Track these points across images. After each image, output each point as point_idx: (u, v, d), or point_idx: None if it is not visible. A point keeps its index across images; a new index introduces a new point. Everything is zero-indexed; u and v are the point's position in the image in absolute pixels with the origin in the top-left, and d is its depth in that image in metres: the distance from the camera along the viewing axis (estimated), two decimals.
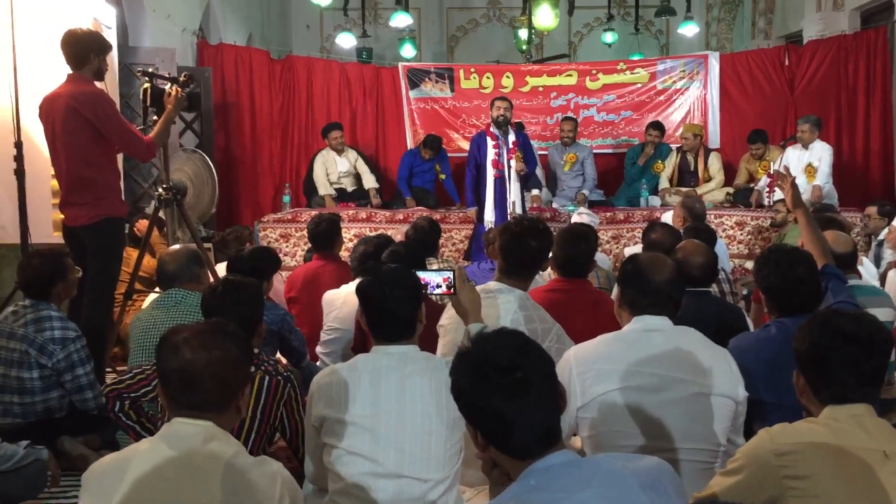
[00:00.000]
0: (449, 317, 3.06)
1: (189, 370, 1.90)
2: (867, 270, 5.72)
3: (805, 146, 7.43)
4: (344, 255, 5.34)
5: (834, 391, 1.97)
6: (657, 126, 8.35)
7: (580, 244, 3.48)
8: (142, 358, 3.39)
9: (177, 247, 3.88)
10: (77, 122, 4.19)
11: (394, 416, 2.38)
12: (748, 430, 2.71)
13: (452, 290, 2.75)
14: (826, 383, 1.98)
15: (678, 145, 8.26)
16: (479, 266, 4.98)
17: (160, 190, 4.97)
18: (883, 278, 5.41)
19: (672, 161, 8.18)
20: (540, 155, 8.37)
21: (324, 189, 8.08)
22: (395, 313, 2.50)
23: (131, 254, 5.18)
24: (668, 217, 6.11)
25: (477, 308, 2.74)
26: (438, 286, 2.76)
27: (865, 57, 8.30)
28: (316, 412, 2.49)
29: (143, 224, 5.40)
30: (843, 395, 1.95)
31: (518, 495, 1.60)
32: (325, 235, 4.77)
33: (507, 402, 1.62)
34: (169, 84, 4.73)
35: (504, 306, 2.95)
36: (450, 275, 2.76)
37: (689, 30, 10.97)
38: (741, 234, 7.20)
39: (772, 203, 7.16)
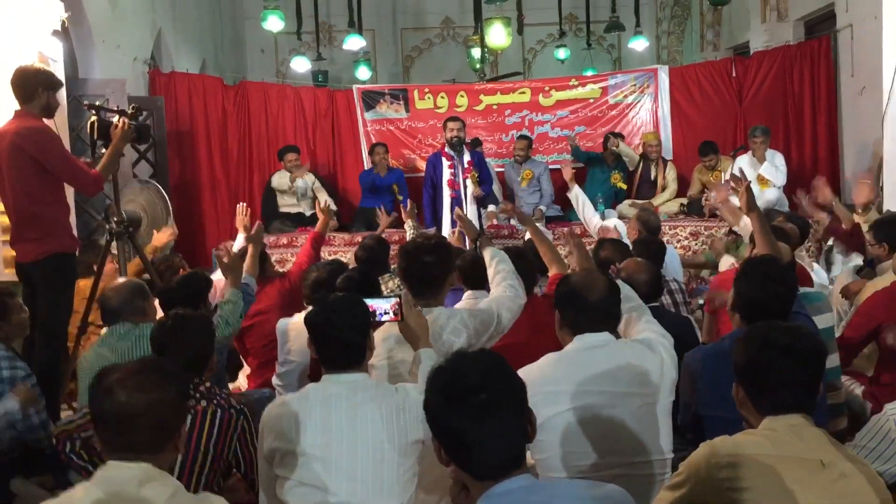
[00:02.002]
0: (379, 354, 3.05)
1: (125, 413, 1.84)
2: (818, 275, 5.84)
3: (758, 156, 7.55)
4: None
5: (771, 402, 2.02)
6: (619, 136, 8.45)
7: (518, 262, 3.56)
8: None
9: (120, 281, 3.84)
10: (21, 158, 4.16)
11: (345, 444, 2.38)
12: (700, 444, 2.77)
13: (400, 317, 2.77)
14: (764, 395, 2.04)
15: (641, 153, 8.36)
16: None
17: (112, 223, 4.93)
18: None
19: (638, 170, 8.28)
20: (497, 172, 8.43)
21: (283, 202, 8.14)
22: (343, 342, 2.51)
23: (84, 287, 5.12)
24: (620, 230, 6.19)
25: (425, 333, 2.76)
26: (386, 312, 2.77)
27: (810, 66, 8.47)
28: (267, 445, 2.48)
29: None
30: (781, 405, 2.00)
31: None
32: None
33: (470, 422, 1.65)
34: (116, 116, 4.70)
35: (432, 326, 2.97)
36: (396, 301, 2.78)
37: (640, 44, 11.12)
38: (696, 244, 7.30)
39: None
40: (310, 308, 3.82)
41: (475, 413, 1.65)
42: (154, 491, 1.82)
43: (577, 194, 6.72)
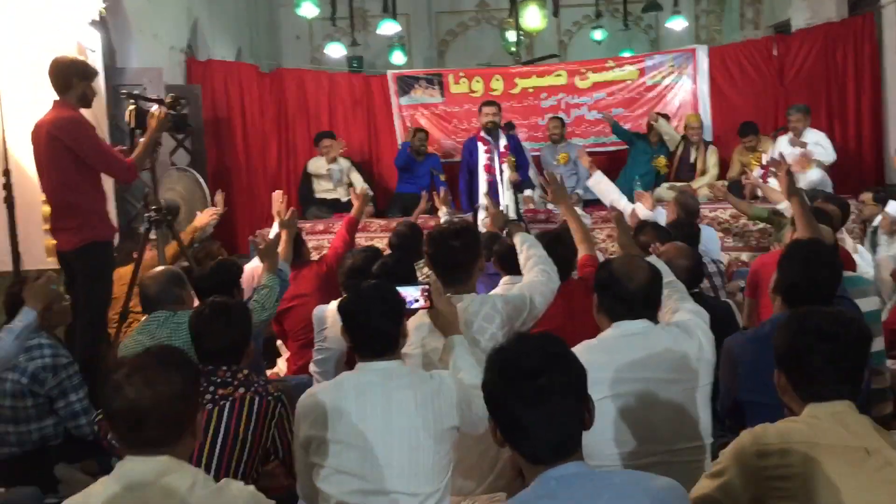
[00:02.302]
0: (410, 343, 3.05)
1: (135, 410, 1.81)
2: (863, 258, 5.73)
3: (798, 135, 7.43)
4: None
5: (814, 389, 1.97)
6: (664, 116, 8.34)
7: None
8: None
9: (158, 269, 3.87)
10: (57, 148, 4.23)
11: (380, 432, 2.38)
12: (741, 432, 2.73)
13: (430, 304, 2.76)
14: (806, 381, 1.99)
15: (682, 135, 8.25)
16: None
17: (151, 211, 4.98)
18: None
19: (678, 152, 8.19)
20: (533, 156, 8.37)
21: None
22: (377, 329, 2.52)
23: (124, 274, 5.19)
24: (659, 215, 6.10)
25: (455, 319, 2.75)
26: (416, 300, 2.78)
27: (853, 44, 8.29)
28: (303, 433, 2.49)
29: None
30: (824, 392, 1.96)
31: (528, 501, 1.64)
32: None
33: (526, 406, 1.66)
34: (155, 105, 4.74)
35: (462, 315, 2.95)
36: (426, 288, 2.77)
37: (678, 24, 10.96)
38: (736, 227, 7.19)
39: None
40: (344, 295, 3.86)
41: (533, 396, 1.66)
42: (174, 482, 1.81)
43: (598, 180, 6.60)
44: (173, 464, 1.84)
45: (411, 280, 3.57)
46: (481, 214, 6.76)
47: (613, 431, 2.43)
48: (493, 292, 3.44)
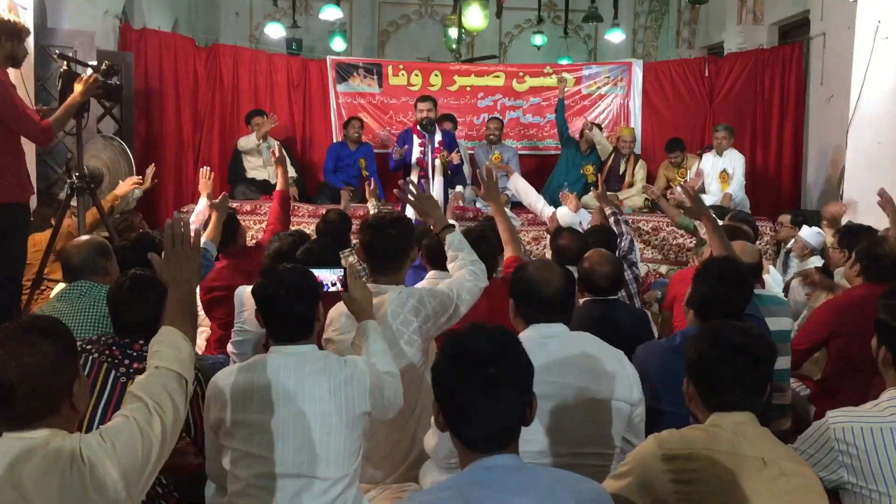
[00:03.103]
0: (336, 329, 3.06)
1: (1, 384, 1.76)
2: (773, 278, 5.94)
3: (720, 153, 7.72)
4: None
5: (720, 399, 2.07)
6: (597, 125, 8.52)
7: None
8: None
9: (83, 238, 3.78)
10: None
11: (291, 416, 2.39)
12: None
13: (345, 288, 2.78)
14: (712, 391, 2.08)
15: (614, 146, 8.42)
16: None
17: (73, 177, 4.86)
18: (787, 287, 5.62)
19: (608, 163, 8.35)
20: (468, 154, 8.44)
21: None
22: (291, 314, 2.52)
23: (40, 240, 5.05)
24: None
25: (369, 305, 2.77)
26: (333, 284, 2.79)
27: (781, 71, 8.60)
28: (213, 415, 2.48)
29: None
30: (728, 403, 2.05)
31: (460, 487, 1.69)
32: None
33: (473, 393, 1.71)
34: (88, 70, 4.63)
35: (383, 307, 2.97)
36: (342, 272, 2.79)
37: (616, 36, 11.14)
38: (656, 240, 7.38)
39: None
40: None
41: (481, 385, 1.70)
42: (63, 443, 1.77)
43: (515, 181, 6.77)
44: (55, 435, 1.79)
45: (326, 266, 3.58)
46: (410, 213, 6.78)
47: (533, 428, 2.47)
48: (418, 285, 3.47)
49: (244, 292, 4.07)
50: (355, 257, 4.64)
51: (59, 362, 1.84)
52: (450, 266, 3.32)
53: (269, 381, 2.42)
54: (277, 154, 5.53)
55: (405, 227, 3.17)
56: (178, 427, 1.99)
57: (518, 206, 7.83)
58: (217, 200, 4.57)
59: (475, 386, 1.71)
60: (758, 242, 5.73)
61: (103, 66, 4.73)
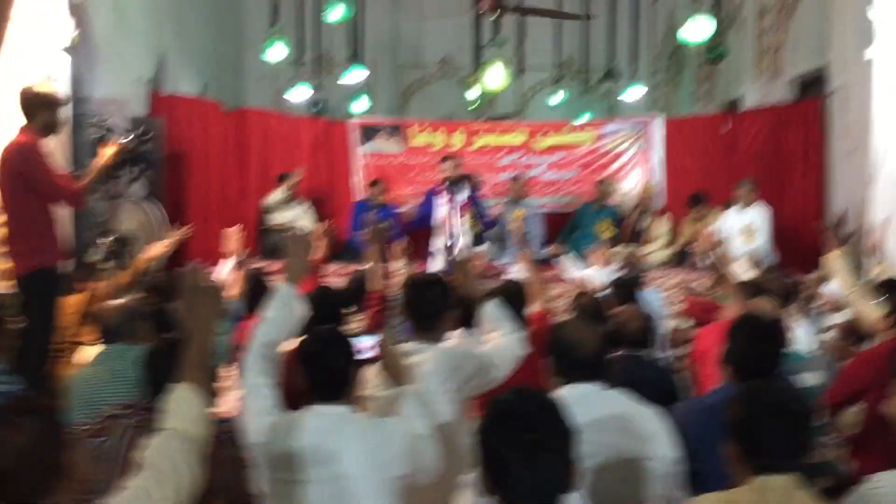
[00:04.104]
0: (373, 386, 3.08)
1: None
2: (804, 330, 5.89)
3: (742, 209, 7.71)
4: None
5: (762, 461, 2.05)
6: (604, 182, 8.59)
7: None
8: (80, 415, 3.34)
9: (118, 301, 3.85)
10: (10, 174, 4.34)
11: (328, 476, 2.39)
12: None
13: (381, 355, 2.81)
14: (756, 453, 2.06)
15: (638, 202, 8.47)
16: None
17: (105, 241, 4.96)
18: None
19: (630, 219, 8.39)
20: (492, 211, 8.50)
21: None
22: (335, 370, 2.55)
23: (73, 303, 5.11)
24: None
25: (404, 370, 2.78)
26: (369, 350, 2.83)
27: (801, 126, 8.62)
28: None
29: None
30: (772, 465, 2.04)
31: None
32: None
33: (519, 457, 1.72)
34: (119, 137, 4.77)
35: (422, 366, 2.99)
36: (377, 339, 2.83)
37: (636, 92, 11.27)
38: (682, 295, 7.34)
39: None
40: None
41: (526, 447, 1.72)
42: None
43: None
44: None
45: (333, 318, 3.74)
46: (436, 263, 6.84)
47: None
48: (450, 344, 3.48)
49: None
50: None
51: (52, 437, 1.80)
52: (488, 325, 3.33)
53: (305, 441, 2.42)
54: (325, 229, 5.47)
55: (443, 288, 3.21)
56: (191, 490, 1.92)
57: (541, 262, 7.85)
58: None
59: (521, 449, 1.72)
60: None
61: (134, 135, 4.88)
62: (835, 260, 4.60)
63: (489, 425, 1.79)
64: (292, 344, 3.77)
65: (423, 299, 3.15)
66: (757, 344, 2.87)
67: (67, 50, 5.82)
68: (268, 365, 2.58)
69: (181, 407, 2.01)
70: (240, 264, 4.67)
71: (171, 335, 3.05)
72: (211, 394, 2.17)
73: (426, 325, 3.16)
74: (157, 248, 6.05)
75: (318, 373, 2.55)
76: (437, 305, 3.16)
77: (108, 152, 4.67)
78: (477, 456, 1.81)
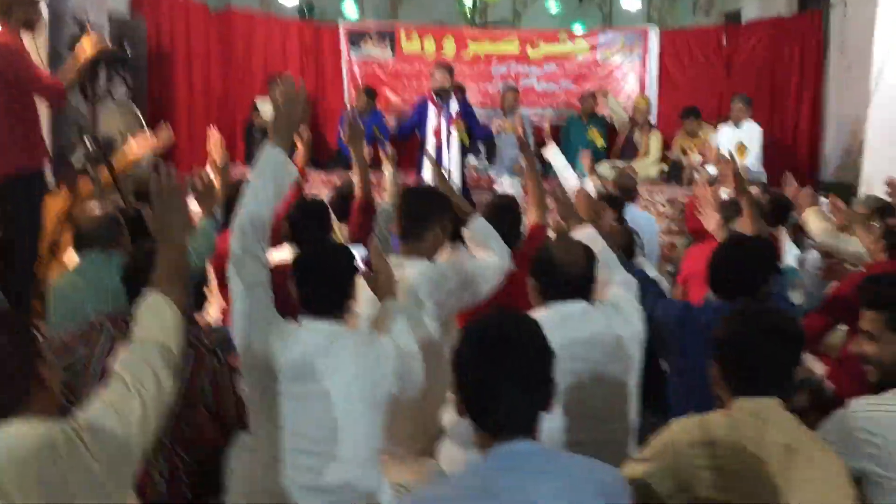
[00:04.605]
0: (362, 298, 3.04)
1: None
2: (789, 253, 5.89)
3: (737, 124, 7.62)
4: None
5: (748, 383, 2.03)
6: (592, 95, 8.49)
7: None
8: (61, 325, 3.31)
9: (94, 208, 3.75)
10: None
11: (316, 393, 2.36)
12: (662, 404, 2.85)
13: (368, 266, 2.75)
14: (741, 375, 2.05)
15: (630, 116, 8.37)
16: None
17: (87, 144, 4.84)
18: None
19: (623, 132, 8.30)
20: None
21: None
22: (330, 287, 2.49)
23: (55, 206, 5.02)
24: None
25: (392, 284, 2.72)
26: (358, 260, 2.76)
27: (800, 40, 8.47)
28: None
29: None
30: (756, 387, 2.02)
31: (481, 473, 1.69)
32: None
33: (496, 377, 1.70)
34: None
35: (406, 280, 2.94)
36: (365, 252, 2.76)
37: (632, 2, 10.97)
38: (671, 211, 7.32)
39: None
40: (285, 245, 3.82)
41: (504, 369, 1.70)
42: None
43: (555, 152, 6.61)
44: (31, 426, 1.65)
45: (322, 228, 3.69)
46: (427, 176, 6.74)
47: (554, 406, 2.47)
48: (440, 260, 3.43)
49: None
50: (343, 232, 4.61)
51: (21, 350, 1.74)
52: (474, 241, 3.28)
53: (296, 355, 2.38)
54: (305, 138, 5.13)
55: (440, 200, 3.17)
56: (163, 401, 1.85)
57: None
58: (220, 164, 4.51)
59: (498, 370, 1.70)
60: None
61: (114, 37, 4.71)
62: (810, 215, 4.62)
63: (468, 349, 1.76)
64: (286, 255, 3.76)
65: (411, 204, 3.11)
66: (740, 264, 2.86)
67: None
68: (258, 237, 2.45)
69: (152, 316, 1.94)
70: (221, 171, 4.54)
71: (150, 242, 3.00)
72: (185, 301, 2.05)
73: (409, 230, 3.10)
74: (138, 148, 5.83)
75: (317, 286, 2.48)
76: (424, 212, 3.10)
77: (87, 46, 4.51)
78: (454, 378, 1.78)
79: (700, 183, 5.99)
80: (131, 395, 1.79)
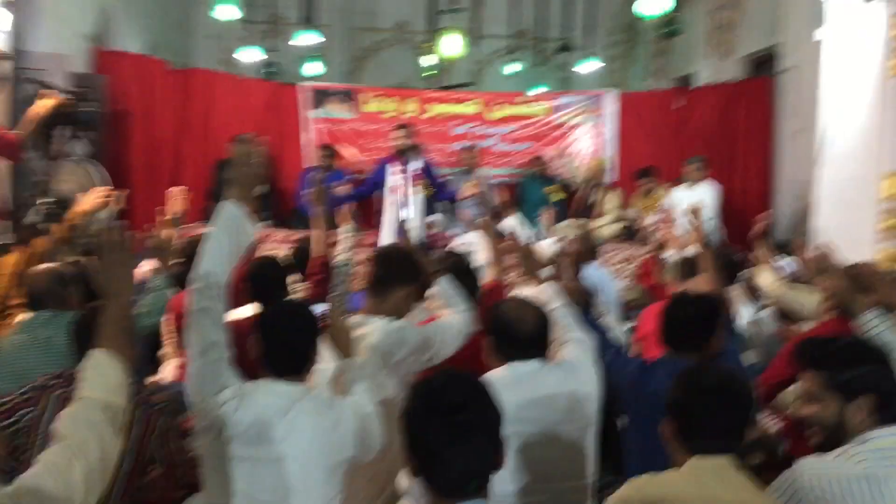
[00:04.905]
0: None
1: None
2: (746, 309, 5.97)
3: (691, 186, 7.77)
4: None
5: (700, 442, 2.05)
6: (539, 158, 8.73)
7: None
8: (8, 386, 3.23)
9: (43, 266, 3.69)
10: None
11: (271, 455, 2.33)
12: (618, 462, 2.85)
13: (326, 325, 2.74)
14: (694, 434, 2.07)
15: (587, 177, 8.51)
16: None
17: (43, 202, 4.80)
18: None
19: (580, 192, 8.44)
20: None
21: None
22: (295, 348, 2.48)
23: (6, 264, 4.93)
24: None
25: (348, 342, 2.70)
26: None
27: (750, 104, 8.72)
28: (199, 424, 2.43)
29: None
30: (709, 446, 2.04)
31: None
32: None
33: (444, 440, 1.70)
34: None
35: (368, 337, 2.95)
36: (325, 308, 2.76)
37: (590, 65, 11.28)
38: (628, 270, 7.40)
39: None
40: (248, 305, 3.79)
41: (453, 431, 1.70)
42: None
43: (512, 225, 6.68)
44: None
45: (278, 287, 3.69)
46: (386, 234, 6.77)
47: (509, 469, 2.47)
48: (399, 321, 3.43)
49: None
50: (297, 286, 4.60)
51: None
52: (437, 309, 3.30)
53: (252, 417, 2.34)
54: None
55: (409, 263, 3.18)
56: (108, 460, 1.81)
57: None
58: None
59: (447, 433, 1.71)
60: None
61: (74, 92, 4.72)
62: (763, 272, 4.71)
63: (414, 409, 1.77)
64: (246, 313, 3.72)
65: (384, 269, 3.12)
66: (687, 321, 2.91)
67: (7, 4, 5.57)
68: (215, 295, 2.39)
69: (96, 374, 1.91)
70: (173, 223, 4.50)
71: (99, 301, 2.96)
72: (130, 359, 2.00)
73: (380, 294, 3.11)
74: (90, 203, 5.69)
75: (280, 348, 2.47)
76: (396, 278, 3.11)
77: (45, 103, 4.51)
78: (404, 440, 1.78)
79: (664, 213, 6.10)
80: (74, 456, 1.74)
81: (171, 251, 3.85)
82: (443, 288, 3.29)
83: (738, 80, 9.14)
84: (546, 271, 3.42)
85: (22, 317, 3.77)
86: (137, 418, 2.72)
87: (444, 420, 1.71)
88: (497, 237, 4.04)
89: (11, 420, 2.66)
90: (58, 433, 1.80)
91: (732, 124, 8.84)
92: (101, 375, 1.90)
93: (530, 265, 3.38)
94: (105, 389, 1.88)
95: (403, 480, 2.61)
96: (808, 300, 4.21)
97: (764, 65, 9.15)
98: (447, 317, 3.21)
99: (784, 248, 6.56)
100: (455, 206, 8.13)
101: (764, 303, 5.59)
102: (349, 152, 8.78)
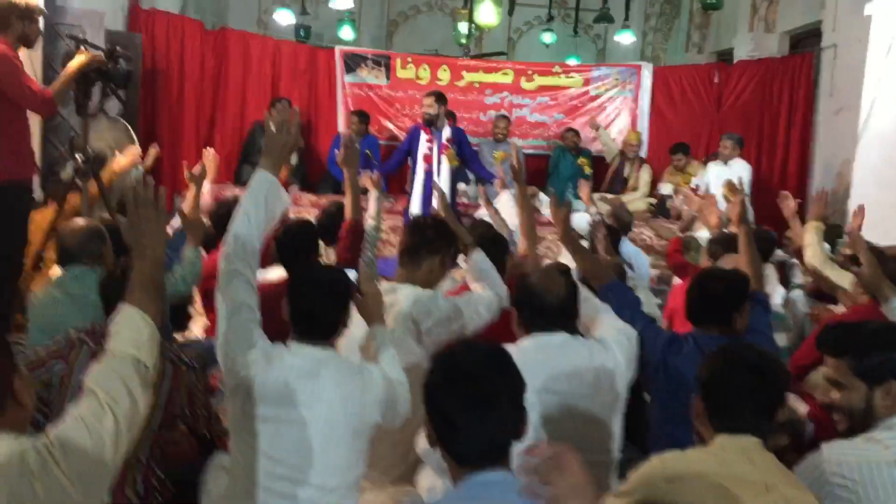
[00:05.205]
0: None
1: None
2: (777, 291, 5.91)
3: (725, 162, 7.67)
4: None
5: (729, 421, 2.03)
6: (573, 130, 8.64)
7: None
8: (41, 339, 3.28)
9: (79, 221, 3.71)
10: None
11: (295, 419, 2.35)
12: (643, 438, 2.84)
13: (357, 290, 2.74)
14: (723, 413, 2.05)
15: (620, 149, 8.43)
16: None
17: (77, 157, 4.82)
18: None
19: (613, 165, 8.35)
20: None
21: None
22: (323, 315, 2.47)
23: (42, 219, 4.99)
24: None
25: (379, 308, 2.72)
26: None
27: (790, 81, 8.55)
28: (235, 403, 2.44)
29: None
30: (737, 425, 2.02)
31: (452, 502, 1.70)
32: None
33: (465, 409, 1.70)
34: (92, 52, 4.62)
35: (397, 305, 2.94)
36: (355, 274, 2.76)
37: (626, 38, 11.12)
38: (659, 245, 7.34)
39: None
40: (276, 266, 3.81)
41: (474, 400, 1.70)
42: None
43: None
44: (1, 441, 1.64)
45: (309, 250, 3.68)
46: (416, 202, 6.75)
47: (531, 439, 2.45)
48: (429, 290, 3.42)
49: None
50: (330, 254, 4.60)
51: None
52: (473, 277, 3.29)
53: (280, 379, 2.35)
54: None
55: (443, 232, 3.18)
56: (137, 417, 1.82)
57: None
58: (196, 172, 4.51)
59: (467, 402, 1.70)
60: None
61: (108, 50, 4.72)
62: (810, 230, 4.60)
63: (436, 379, 1.76)
64: (277, 275, 3.74)
65: (418, 237, 3.12)
66: (713, 296, 2.90)
67: None
68: (247, 260, 2.42)
69: (126, 329, 1.90)
70: (196, 180, 4.54)
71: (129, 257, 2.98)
72: (159, 315, 2.00)
73: (413, 262, 3.12)
74: (125, 161, 5.80)
75: (312, 310, 2.47)
76: (429, 247, 3.13)
77: (79, 59, 4.52)
78: (426, 410, 1.78)
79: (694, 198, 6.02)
80: (103, 410, 1.75)
81: (201, 227, 3.87)
82: (476, 261, 3.27)
83: (779, 56, 8.95)
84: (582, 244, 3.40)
85: (56, 270, 3.82)
86: (167, 374, 2.74)
87: (464, 388, 1.71)
88: (530, 209, 3.98)
89: (42, 371, 2.69)
90: (88, 387, 1.81)
91: (770, 102, 8.68)
92: (131, 330, 1.90)
93: (570, 239, 3.36)
94: (135, 344, 1.88)
95: (422, 445, 2.62)
96: (847, 281, 4.14)
97: (806, 41, 8.97)
98: (481, 292, 3.19)
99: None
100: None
101: (797, 283, 5.52)
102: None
